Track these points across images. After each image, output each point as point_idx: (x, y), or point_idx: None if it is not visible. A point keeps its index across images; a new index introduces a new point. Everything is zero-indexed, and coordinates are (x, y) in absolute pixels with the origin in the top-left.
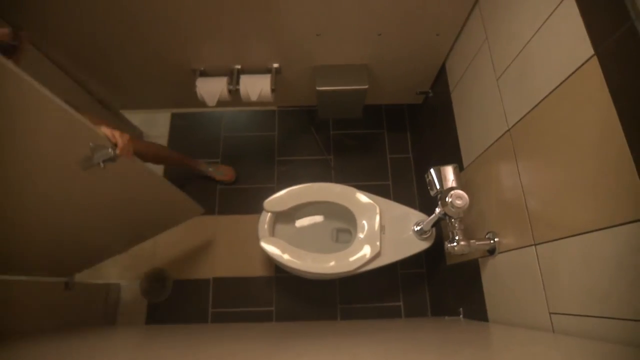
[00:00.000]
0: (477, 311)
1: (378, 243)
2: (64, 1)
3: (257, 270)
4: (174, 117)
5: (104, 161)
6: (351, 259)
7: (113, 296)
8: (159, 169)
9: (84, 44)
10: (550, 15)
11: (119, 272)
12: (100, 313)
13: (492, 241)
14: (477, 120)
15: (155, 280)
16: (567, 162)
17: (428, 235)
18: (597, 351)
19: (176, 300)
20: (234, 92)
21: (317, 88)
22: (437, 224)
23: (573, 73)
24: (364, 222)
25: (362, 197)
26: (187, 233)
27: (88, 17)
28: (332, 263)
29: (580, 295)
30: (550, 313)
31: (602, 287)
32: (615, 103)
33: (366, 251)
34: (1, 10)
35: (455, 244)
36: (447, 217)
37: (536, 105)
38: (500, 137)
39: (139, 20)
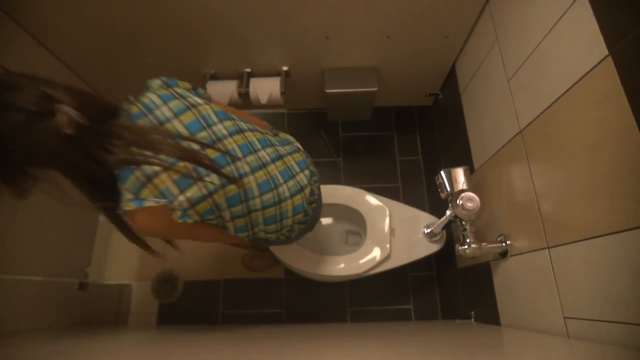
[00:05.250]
0: (489, 315)
1: (388, 245)
2: (72, 5)
3: (267, 272)
4: None
5: None
6: (361, 261)
7: (125, 297)
8: None
9: (94, 49)
10: (563, 15)
11: (131, 273)
12: (112, 313)
13: (504, 244)
14: (488, 121)
15: (166, 282)
16: (581, 164)
17: (438, 237)
18: (615, 358)
19: (187, 301)
20: (244, 95)
21: (327, 90)
22: (447, 226)
23: (587, 74)
24: (374, 224)
25: (372, 200)
26: None
27: (97, 22)
28: (342, 265)
29: (596, 300)
30: (565, 317)
31: (618, 292)
32: (631, 104)
33: (376, 253)
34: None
35: (466, 246)
36: (457, 220)
37: (549, 107)
38: (512, 139)
39: (149, 25)
